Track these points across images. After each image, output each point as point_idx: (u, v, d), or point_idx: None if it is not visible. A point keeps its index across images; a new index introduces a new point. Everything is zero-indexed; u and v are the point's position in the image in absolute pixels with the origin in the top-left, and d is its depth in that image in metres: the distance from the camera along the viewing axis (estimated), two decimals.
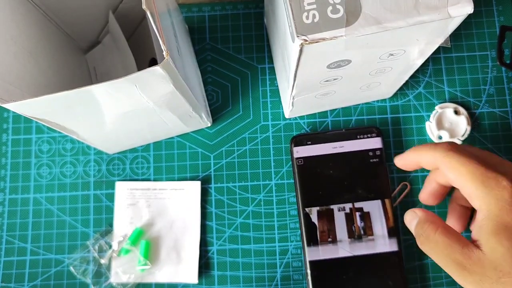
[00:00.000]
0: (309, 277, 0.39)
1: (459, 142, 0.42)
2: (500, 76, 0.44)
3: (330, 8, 0.25)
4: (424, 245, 0.31)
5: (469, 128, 0.42)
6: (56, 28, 0.40)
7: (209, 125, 0.43)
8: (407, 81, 0.44)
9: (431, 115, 0.43)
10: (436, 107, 0.43)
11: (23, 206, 0.43)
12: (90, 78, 0.44)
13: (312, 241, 0.40)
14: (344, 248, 0.40)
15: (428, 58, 0.45)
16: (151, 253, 0.41)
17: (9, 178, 0.43)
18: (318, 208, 0.41)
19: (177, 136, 0.44)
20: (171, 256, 0.41)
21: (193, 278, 0.41)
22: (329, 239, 0.40)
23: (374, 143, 0.42)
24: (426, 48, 0.31)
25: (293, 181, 0.43)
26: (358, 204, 0.41)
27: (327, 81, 0.33)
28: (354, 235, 0.40)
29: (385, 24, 0.25)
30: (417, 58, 0.33)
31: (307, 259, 0.40)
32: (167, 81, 0.28)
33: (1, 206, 0.43)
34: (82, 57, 0.44)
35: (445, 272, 0.41)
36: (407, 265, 0.41)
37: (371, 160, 0.42)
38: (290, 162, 0.43)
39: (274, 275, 0.41)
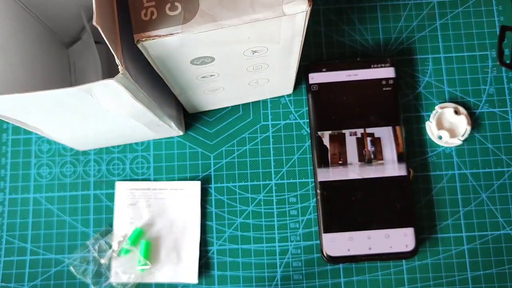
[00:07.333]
0: (319, 197, 0.41)
1: (459, 142, 0.42)
2: (500, 76, 0.44)
3: (168, 5, 0.26)
4: None
5: (469, 128, 0.42)
6: (37, 22, 0.39)
7: (181, 134, 0.43)
8: (407, 81, 0.44)
9: (431, 115, 0.43)
10: (436, 107, 0.43)
11: (23, 206, 0.43)
12: (70, 72, 0.43)
13: (323, 163, 0.41)
14: (354, 171, 0.41)
15: (428, 58, 0.45)
16: (151, 253, 0.41)
17: (9, 178, 0.43)
18: (330, 132, 0.41)
19: (177, 136, 0.44)
20: (171, 256, 0.41)
21: (193, 278, 0.41)
22: (340, 162, 0.41)
23: (387, 72, 0.43)
24: (289, 45, 0.30)
25: (293, 180, 0.43)
26: (369, 130, 0.42)
27: (204, 77, 0.33)
28: (365, 159, 0.41)
29: (221, 22, 0.26)
30: (286, 55, 0.32)
31: (318, 180, 0.41)
32: (124, 94, 0.27)
33: (1, 206, 0.43)
34: (64, 51, 0.43)
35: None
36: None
37: (384, 89, 0.42)
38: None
39: (274, 275, 0.41)
